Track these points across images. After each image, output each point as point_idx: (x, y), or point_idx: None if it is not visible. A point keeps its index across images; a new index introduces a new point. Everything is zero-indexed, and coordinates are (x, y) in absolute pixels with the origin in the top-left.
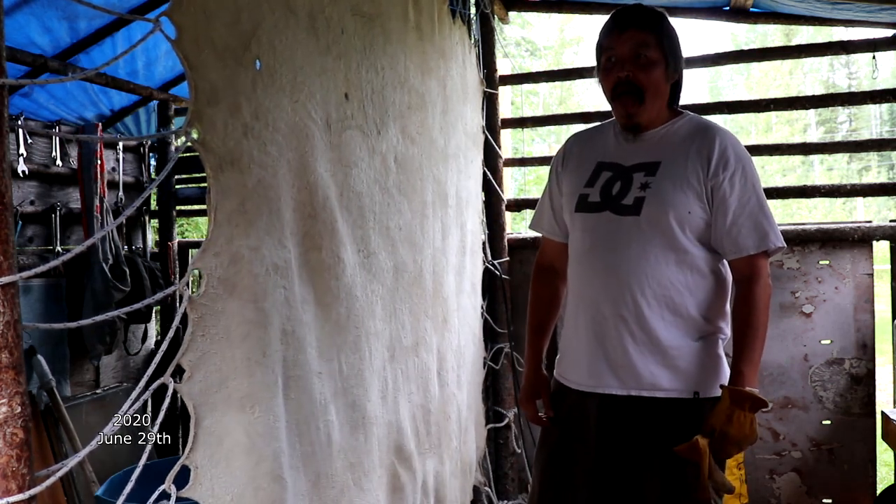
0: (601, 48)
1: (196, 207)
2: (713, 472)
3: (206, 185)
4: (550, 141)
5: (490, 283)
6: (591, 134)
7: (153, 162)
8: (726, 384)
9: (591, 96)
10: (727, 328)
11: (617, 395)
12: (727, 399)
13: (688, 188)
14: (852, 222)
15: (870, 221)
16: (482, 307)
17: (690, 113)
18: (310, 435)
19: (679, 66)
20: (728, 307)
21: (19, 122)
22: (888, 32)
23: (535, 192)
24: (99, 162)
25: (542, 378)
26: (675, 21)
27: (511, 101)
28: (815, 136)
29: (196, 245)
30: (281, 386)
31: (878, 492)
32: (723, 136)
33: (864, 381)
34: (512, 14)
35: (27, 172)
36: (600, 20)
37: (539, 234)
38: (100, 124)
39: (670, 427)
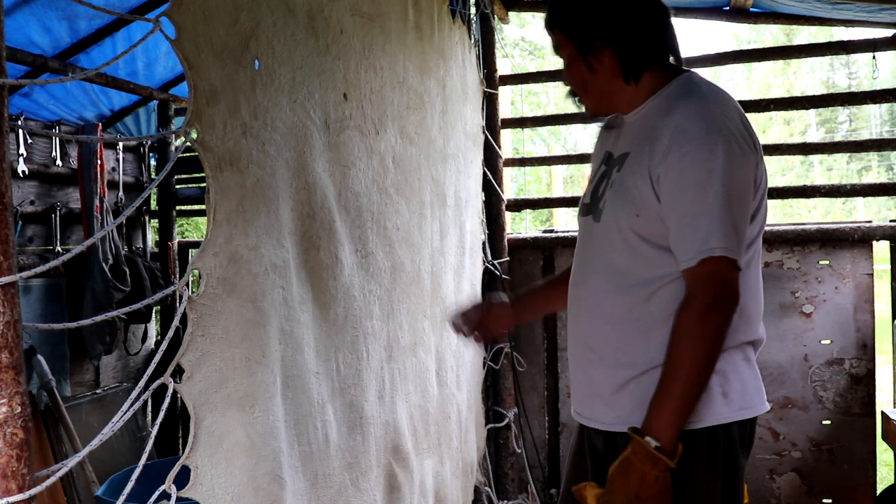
0: None
1: (196, 207)
2: None
3: (205, 184)
4: (550, 141)
5: (490, 284)
6: (611, 119)
7: (153, 162)
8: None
9: None
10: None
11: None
12: (627, 446)
13: (642, 184)
14: (852, 222)
15: (870, 221)
16: None
17: (684, 76)
18: (308, 435)
19: (603, 35)
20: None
21: (19, 122)
22: (888, 32)
23: (535, 192)
24: (99, 162)
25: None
26: (674, 21)
27: (511, 101)
28: (815, 136)
29: (196, 245)
30: (279, 386)
31: (878, 492)
32: (684, 109)
33: (864, 381)
34: (511, 14)
35: (27, 172)
36: None
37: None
38: (100, 124)
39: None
